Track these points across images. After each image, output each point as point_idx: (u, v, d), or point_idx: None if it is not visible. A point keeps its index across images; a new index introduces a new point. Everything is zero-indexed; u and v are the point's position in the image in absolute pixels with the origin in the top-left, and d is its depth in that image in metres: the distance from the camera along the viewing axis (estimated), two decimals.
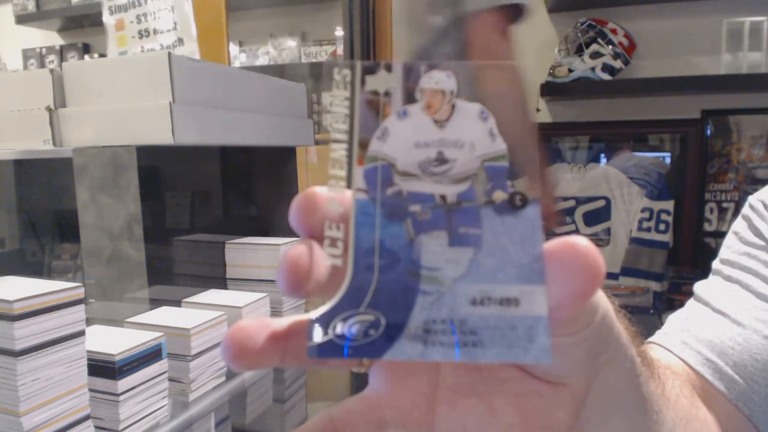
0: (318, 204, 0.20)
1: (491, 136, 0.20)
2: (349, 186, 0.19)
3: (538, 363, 0.18)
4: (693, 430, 0.36)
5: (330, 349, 0.18)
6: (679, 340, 0.46)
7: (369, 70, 0.19)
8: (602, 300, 0.21)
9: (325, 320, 0.18)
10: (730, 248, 0.50)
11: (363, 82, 0.19)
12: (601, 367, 0.23)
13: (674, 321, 0.49)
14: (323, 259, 0.19)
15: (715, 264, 0.51)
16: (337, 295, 0.19)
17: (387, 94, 0.19)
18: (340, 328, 0.18)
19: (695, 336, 0.45)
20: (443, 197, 0.19)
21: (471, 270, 0.19)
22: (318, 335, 0.18)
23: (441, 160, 0.19)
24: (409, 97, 0.19)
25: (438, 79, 0.19)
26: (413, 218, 0.19)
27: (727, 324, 0.45)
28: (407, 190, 0.19)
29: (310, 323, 0.19)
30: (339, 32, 2.18)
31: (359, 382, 0.26)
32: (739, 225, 0.51)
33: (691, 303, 0.50)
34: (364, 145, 0.19)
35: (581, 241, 0.19)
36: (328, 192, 0.19)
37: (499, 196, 0.19)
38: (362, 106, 0.19)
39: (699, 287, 0.50)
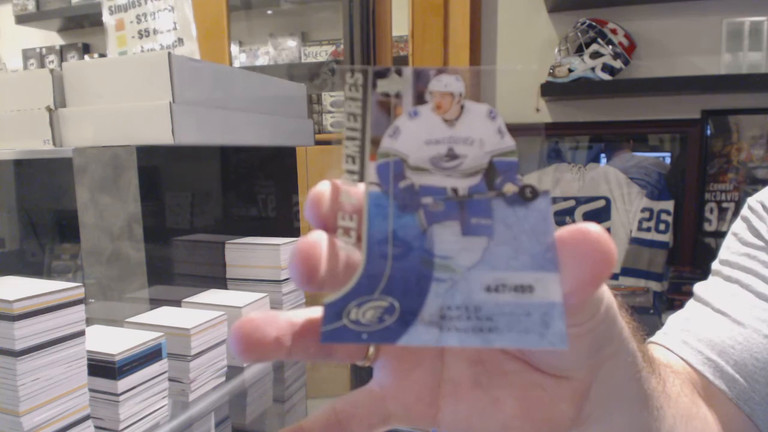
0: (332, 197, 0.20)
1: (500, 133, 0.20)
2: (362, 181, 0.20)
3: (554, 348, 0.18)
4: (693, 428, 0.36)
5: (344, 335, 0.18)
6: (679, 339, 0.46)
7: (380, 75, 0.20)
8: (606, 292, 0.22)
9: (340, 306, 0.19)
10: (729, 249, 0.50)
11: (374, 85, 0.20)
12: (605, 360, 0.23)
13: (674, 321, 0.49)
14: (335, 250, 0.19)
15: (715, 265, 0.51)
16: (351, 281, 0.19)
17: (398, 96, 0.20)
18: (354, 313, 0.19)
19: (696, 335, 0.45)
20: (455, 190, 0.20)
21: (484, 258, 0.19)
22: (332, 321, 0.19)
23: (452, 155, 0.20)
24: (419, 100, 0.20)
25: (447, 83, 0.20)
26: (425, 209, 0.20)
27: (728, 323, 0.45)
28: (419, 184, 0.20)
29: (325, 308, 0.19)
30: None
31: (359, 382, 0.26)
32: (738, 226, 0.51)
33: (691, 303, 0.50)
34: (376, 142, 0.20)
35: (593, 228, 0.19)
36: (342, 184, 0.20)
37: (510, 188, 0.20)
38: (374, 107, 0.20)
39: (699, 288, 0.50)
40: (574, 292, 0.19)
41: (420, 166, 0.20)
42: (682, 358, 0.45)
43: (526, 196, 0.19)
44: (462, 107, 0.20)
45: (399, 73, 0.20)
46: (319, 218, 0.20)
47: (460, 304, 0.19)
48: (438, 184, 0.20)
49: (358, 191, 0.20)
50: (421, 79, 0.20)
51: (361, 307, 0.19)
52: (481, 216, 0.19)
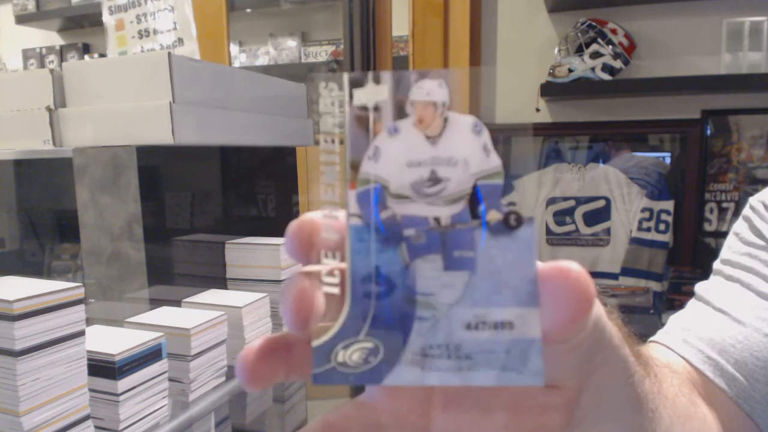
0: (314, 232, 0.20)
1: (485, 151, 0.19)
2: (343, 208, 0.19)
3: (531, 386, 0.18)
4: (691, 428, 0.36)
5: (333, 377, 0.19)
6: (680, 338, 0.46)
7: (356, 83, 0.19)
8: (595, 305, 0.22)
9: (328, 348, 0.19)
10: (731, 249, 0.50)
11: (351, 96, 0.19)
12: (595, 369, 0.23)
13: (675, 320, 0.49)
14: (323, 292, 0.19)
15: (716, 264, 0.51)
16: (337, 323, 0.19)
17: (377, 108, 0.19)
18: (341, 356, 0.19)
19: (696, 334, 0.45)
20: (437, 219, 0.19)
21: (466, 294, 0.19)
22: (321, 363, 0.19)
23: (434, 179, 0.19)
24: (400, 111, 0.19)
25: (429, 90, 0.19)
26: (408, 243, 0.19)
27: (728, 322, 0.45)
28: (401, 214, 0.19)
29: (314, 351, 0.19)
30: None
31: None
32: (739, 226, 0.51)
33: (692, 303, 0.50)
34: (355, 166, 0.19)
35: (573, 267, 0.19)
36: (323, 219, 0.19)
37: (494, 216, 0.19)
38: (352, 125, 0.19)
39: (700, 287, 0.50)
40: (553, 331, 0.19)
41: (401, 194, 0.19)
42: (683, 357, 0.45)
43: (510, 224, 0.19)
44: (445, 120, 0.19)
45: (377, 80, 0.18)
46: (301, 255, 0.20)
47: (441, 343, 0.19)
48: (420, 213, 0.19)
49: (339, 225, 0.19)
50: (401, 85, 0.19)
51: (347, 349, 0.19)
52: (463, 248, 0.19)
